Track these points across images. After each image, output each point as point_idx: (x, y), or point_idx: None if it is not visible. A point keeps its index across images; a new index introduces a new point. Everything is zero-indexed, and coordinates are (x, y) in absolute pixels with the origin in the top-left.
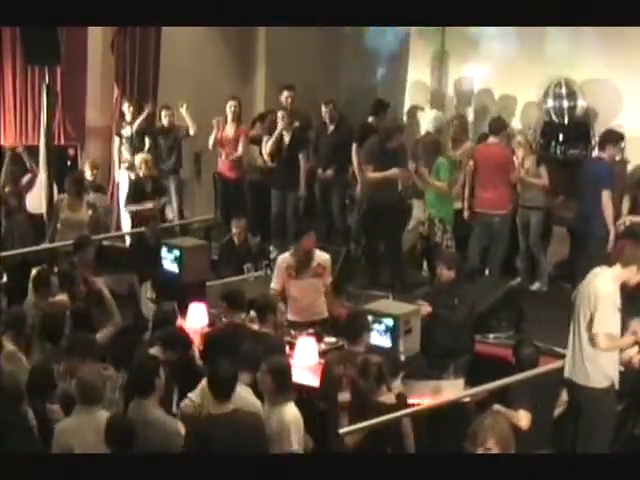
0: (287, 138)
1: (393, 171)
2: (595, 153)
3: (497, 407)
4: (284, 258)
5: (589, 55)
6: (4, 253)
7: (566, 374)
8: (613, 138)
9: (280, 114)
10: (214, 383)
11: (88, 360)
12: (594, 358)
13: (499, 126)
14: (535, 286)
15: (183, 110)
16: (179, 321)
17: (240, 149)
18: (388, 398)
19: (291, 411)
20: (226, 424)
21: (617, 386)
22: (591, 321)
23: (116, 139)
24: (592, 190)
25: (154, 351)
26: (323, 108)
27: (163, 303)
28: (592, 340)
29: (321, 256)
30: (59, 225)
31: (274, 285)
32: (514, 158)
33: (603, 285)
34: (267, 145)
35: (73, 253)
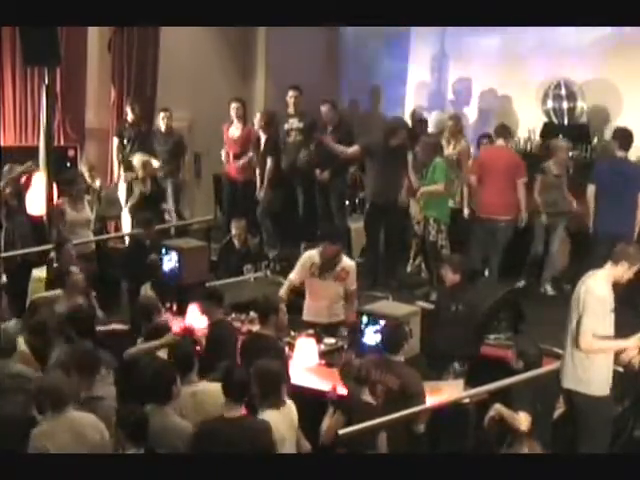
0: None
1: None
2: (620, 153)
3: (497, 406)
4: (311, 255)
5: (589, 56)
6: (4, 254)
7: (560, 378)
8: (632, 136)
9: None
10: (229, 386)
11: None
12: (586, 363)
13: (506, 132)
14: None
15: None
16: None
17: (250, 151)
18: (370, 399)
19: (266, 417)
20: (237, 428)
21: (609, 392)
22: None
23: (115, 140)
24: (623, 191)
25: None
26: (322, 108)
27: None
28: (575, 340)
29: (347, 262)
30: (66, 226)
31: (293, 276)
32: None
33: (594, 286)
34: None
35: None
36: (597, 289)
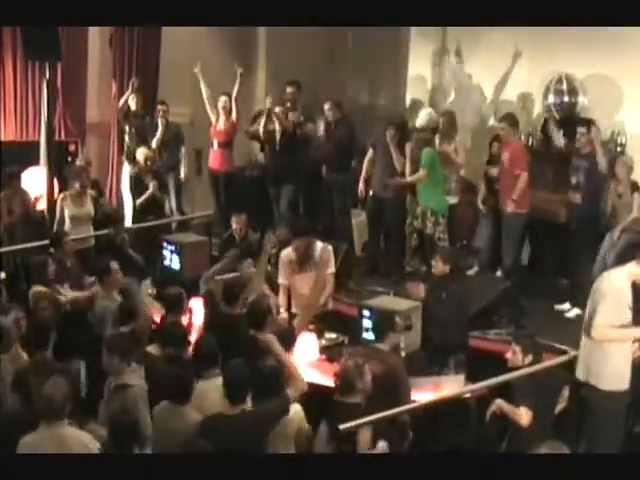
0: (279, 134)
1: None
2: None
3: (499, 401)
4: (287, 253)
5: (590, 52)
6: (4, 249)
7: (577, 373)
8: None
9: (278, 109)
10: (228, 386)
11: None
12: (599, 355)
13: (515, 120)
14: None
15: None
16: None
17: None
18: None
19: None
20: (237, 424)
21: (621, 388)
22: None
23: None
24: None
25: (151, 349)
26: (325, 106)
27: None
28: (587, 330)
29: (322, 247)
30: (67, 221)
31: (281, 281)
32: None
33: (613, 278)
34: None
35: (52, 252)
36: (615, 281)
